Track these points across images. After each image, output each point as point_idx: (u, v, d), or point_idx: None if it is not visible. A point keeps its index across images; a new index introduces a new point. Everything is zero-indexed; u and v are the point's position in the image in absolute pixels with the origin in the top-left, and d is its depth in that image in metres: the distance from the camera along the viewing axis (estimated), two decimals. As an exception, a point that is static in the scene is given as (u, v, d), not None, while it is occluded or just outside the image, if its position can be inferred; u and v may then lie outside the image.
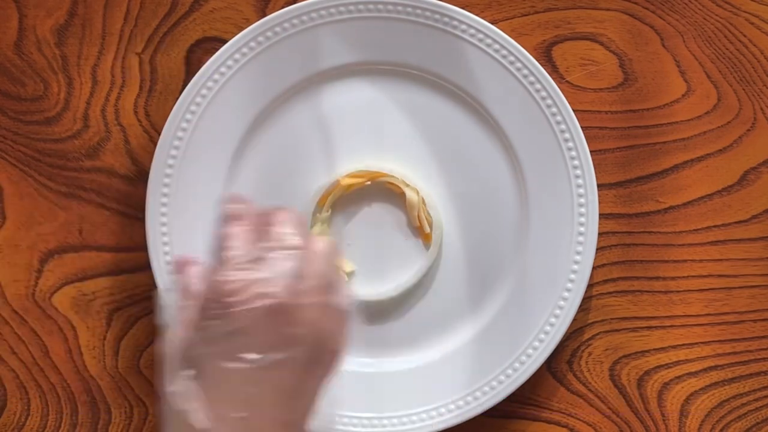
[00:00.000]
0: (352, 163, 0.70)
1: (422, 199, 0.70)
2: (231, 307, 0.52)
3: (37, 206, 0.72)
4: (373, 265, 0.71)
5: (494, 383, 0.70)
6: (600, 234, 0.71)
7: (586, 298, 0.72)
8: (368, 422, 0.70)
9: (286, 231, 0.55)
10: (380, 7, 0.70)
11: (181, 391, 0.52)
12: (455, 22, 0.70)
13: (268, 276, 0.52)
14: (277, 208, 0.56)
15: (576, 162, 0.70)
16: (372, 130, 0.71)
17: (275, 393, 0.52)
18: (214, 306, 0.52)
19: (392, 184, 0.70)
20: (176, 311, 0.54)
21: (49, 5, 0.72)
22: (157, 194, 0.70)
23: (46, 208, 0.72)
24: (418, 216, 0.70)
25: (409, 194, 0.69)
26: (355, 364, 0.71)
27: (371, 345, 0.71)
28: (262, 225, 0.55)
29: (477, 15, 0.70)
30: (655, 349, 0.73)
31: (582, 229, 0.70)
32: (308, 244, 0.55)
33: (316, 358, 0.53)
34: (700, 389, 0.73)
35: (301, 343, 0.52)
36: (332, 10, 0.70)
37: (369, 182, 0.70)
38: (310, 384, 0.54)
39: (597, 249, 0.70)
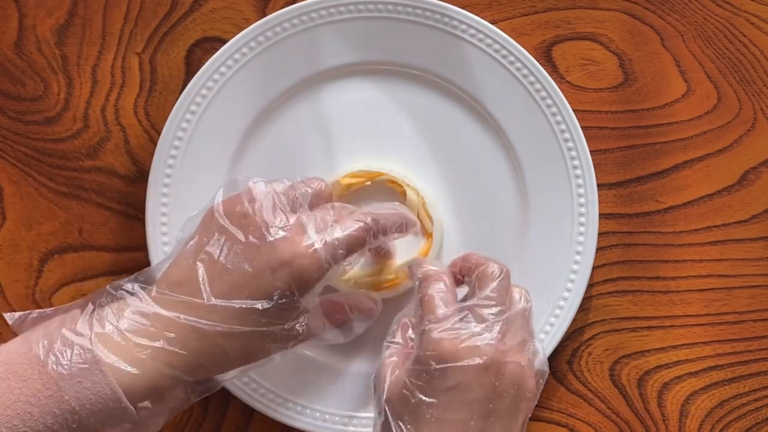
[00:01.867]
0: (352, 163, 0.70)
1: (422, 198, 0.70)
2: (449, 361, 0.56)
3: (37, 206, 0.72)
4: (374, 264, 0.71)
5: (494, 383, 0.70)
6: (600, 234, 0.71)
7: (586, 298, 0.72)
8: (368, 422, 0.70)
9: (490, 288, 0.59)
10: (380, 7, 0.70)
11: None
12: (455, 22, 0.70)
13: (477, 333, 0.57)
14: (478, 262, 0.61)
15: (576, 162, 0.70)
16: (372, 130, 0.71)
17: None
18: (433, 358, 0.56)
19: (392, 183, 0.70)
20: (389, 352, 0.60)
21: (49, 5, 0.72)
22: (157, 194, 0.70)
23: (46, 208, 0.72)
24: (419, 216, 0.70)
25: (410, 194, 0.69)
26: (355, 364, 0.71)
27: (371, 345, 0.71)
28: (464, 270, 0.62)
29: (477, 15, 0.70)
30: (655, 349, 0.73)
31: (582, 229, 0.70)
32: (508, 302, 0.59)
33: (517, 409, 0.58)
34: (700, 389, 0.73)
35: (507, 396, 0.57)
36: (332, 10, 0.70)
37: (369, 182, 0.70)
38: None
39: (597, 249, 0.70)
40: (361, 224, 0.61)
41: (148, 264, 0.70)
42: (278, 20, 0.70)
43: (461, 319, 0.57)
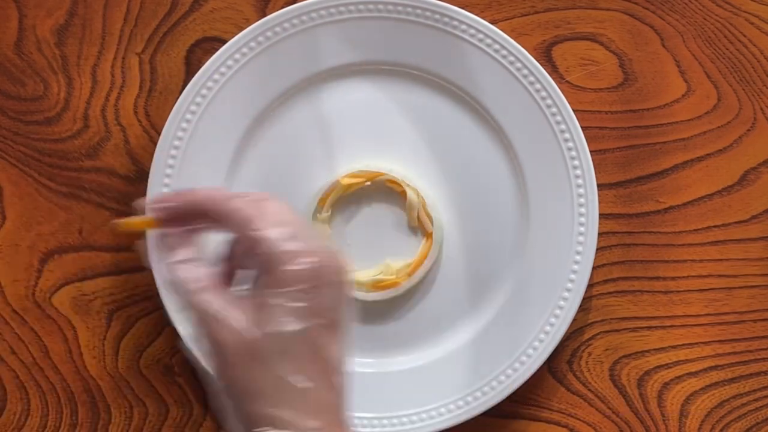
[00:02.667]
0: (352, 163, 0.70)
1: (422, 199, 0.70)
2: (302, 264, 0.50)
3: (37, 206, 0.72)
4: (373, 264, 0.71)
5: (494, 383, 0.70)
6: (600, 234, 0.71)
7: (586, 298, 0.72)
8: (368, 422, 0.70)
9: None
10: (380, 7, 0.70)
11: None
12: (455, 22, 0.70)
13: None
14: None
15: (576, 162, 0.70)
16: (372, 130, 0.71)
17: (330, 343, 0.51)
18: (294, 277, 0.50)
19: (392, 183, 0.70)
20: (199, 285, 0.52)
21: (49, 5, 0.72)
22: (157, 194, 0.70)
23: (46, 208, 0.72)
24: (418, 216, 0.70)
25: (410, 194, 0.69)
26: (355, 365, 0.71)
27: (371, 345, 0.71)
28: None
29: (477, 15, 0.70)
30: (655, 349, 0.73)
31: (582, 229, 0.70)
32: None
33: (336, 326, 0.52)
34: (700, 389, 0.73)
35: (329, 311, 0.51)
36: (332, 10, 0.70)
37: (369, 182, 0.70)
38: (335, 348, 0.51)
39: (597, 249, 0.70)
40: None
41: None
42: (278, 20, 0.69)
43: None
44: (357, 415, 0.70)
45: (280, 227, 0.51)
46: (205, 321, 0.51)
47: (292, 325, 0.50)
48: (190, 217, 0.54)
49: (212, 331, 0.51)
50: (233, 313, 0.50)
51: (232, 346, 0.50)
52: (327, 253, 0.51)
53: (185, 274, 0.52)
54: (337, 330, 0.52)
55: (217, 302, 0.51)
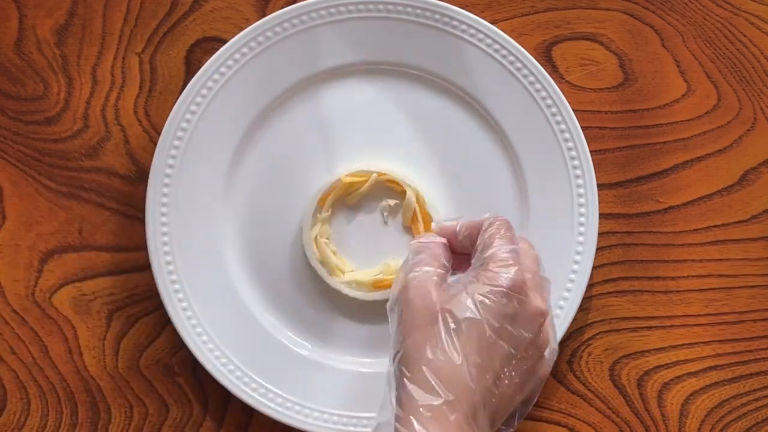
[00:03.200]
0: (352, 162, 0.70)
1: (422, 198, 0.69)
2: (521, 293, 0.57)
3: (37, 206, 0.72)
4: (373, 264, 0.71)
5: (494, 383, 0.70)
6: (600, 234, 0.71)
7: (586, 298, 0.72)
8: (368, 422, 0.70)
9: (510, 247, 0.59)
10: (380, 7, 0.70)
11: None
12: (455, 22, 0.70)
13: (539, 280, 0.59)
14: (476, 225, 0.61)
15: (576, 162, 0.70)
16: (372, 130, 0.71)
17: (512, 384, 0.57)
18: (504, 282, 0.57)
19: (392, 183, 0.70)
20: (429, 268, 0.59)
21: (49, 5, 0.72)
22: (157, 194, 0.70)
23: (46, 208, 0.72)
24: (414, 216, 0.70)
25: (409, 194, 0.69)
26: (355, 364, 0.71)
27: (371, 345, 0.71)
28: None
29: (477, 15, 0.70)
30: (655, 349, 0.73)
31: (582, 229, 0.70)
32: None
33: (537, 368, 0.58)
34: (700, 389, 0.73)
35: (541, 350, 0.58)
36: (332, 10, 0.70)
37: (369, 182, 0.70)
38: (524, 391, 0.58)
39: (597, 249, 0.70)
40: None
41: (148, 264, 0.70)
42: (278, 20, 0.70)
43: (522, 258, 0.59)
44: (357, 415, 0.70)
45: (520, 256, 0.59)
46: (407, 286, 0.58)
47: (468, 312, 0.56)
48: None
49: (407, 294, 0.58)
50: (431, 288, 0.57)
51: (416, 309, 0.57)
52: (536, 296, 0.58)
53: (418, 252, 0.60)
54: (510, 357, 0.57)
55: (425, 275, 0.58)
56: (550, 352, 0.60)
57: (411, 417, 0.54)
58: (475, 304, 0.56)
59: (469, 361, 0.55)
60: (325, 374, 0.71)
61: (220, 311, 0.70)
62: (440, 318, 0.56)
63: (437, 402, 0.54)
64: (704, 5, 0.73)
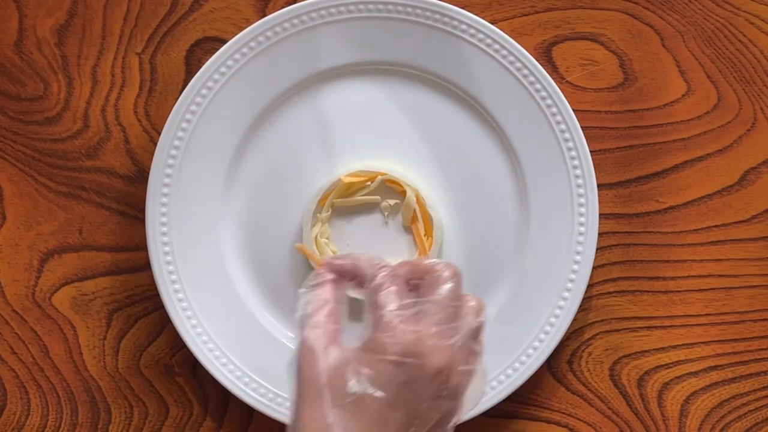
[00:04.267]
0: (352, 162, 0.70)
1: (422, 199, 0.69)
2: (410, 357, 0.54)
3: (37, 206, 0.72)
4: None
5: (494, 383, 0.70)
6: (600, 234, 0.71)
7: (586, 298, 0.72)
8: (368, 422, 0.70)
9: (444, 288, 0.57)
10: (380, 7, 0.70)
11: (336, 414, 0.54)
12: (455, 22, 0.70)
13: (437, 330, 0.55)
14: (430, 265, 0.58)
15: (576, 162, 0.70)
16: (372, 130, 0.71)
17: None
18: (391, 349, 0.54)
19: (392, 183, 0.70)
20: (316, 331, 0.57)
21: (49, 5, 0.72)
22: (157, 194, 0.70)
23: (46, 208, 0.72)
24: (414, 216, 0.70)
25: (409, 194, 0.69)
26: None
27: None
28: (414, 275, 0.58)
29: (477, 15, 0.70)
30: (655, 349, 0.73)
31: (582, 229, 0.70)
32: (461, 300, 0.57)
33: (442, 426, 0.56)
34: (700, 389, 0.73)
35: (443, 410, 0.55)
36: (332, 10, 0.70)
37: (369, 182, 0.70)
38: None
39: (597, 249, 0.70)
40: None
41: (148, 264, 0.70)
42: (278, 20, 0.69)
43: (417, 314, 0.56)
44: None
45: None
46: (297, 351, 0.56)
47: (354, 388, 0.54)
48: (346, 275, 0.59)
49: (298, 361, 0.56)
50: (319, 356, 0.55)
51: (304, 380, 0.55)
52: (436, 353, 0.55)
53: (314, 309, 0.58)
54: (408, 422, 0.54)
55: (314, 339, 0.56)
56: (477, 382, 0.57)
57: None
58: (359, 379, 0.54)
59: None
60: (325, 374, 0.71)
61: (220, 311, 0.70)
62: (325, 394, 0.54)
63: None
64: (704, 5, 0.73)
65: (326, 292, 0.58)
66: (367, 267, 0.58)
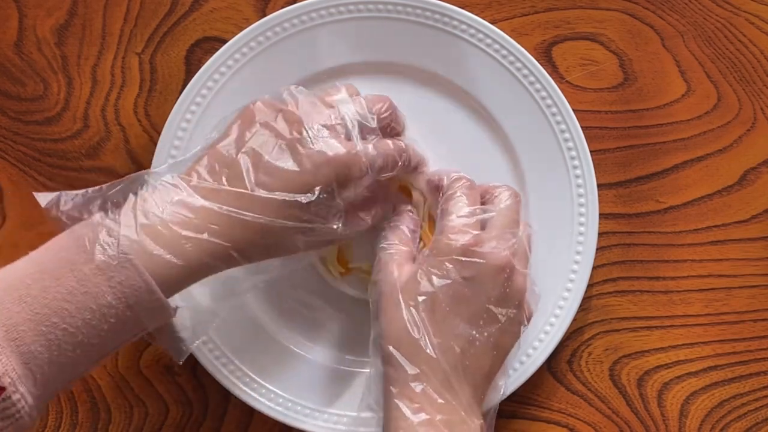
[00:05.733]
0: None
1: (425, 198, 0.69)
2: (471, 255, 0.60)
3: (37, 206, 0.72)
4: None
5: (494, 383, 0.70)
6: (600, 234, 0.71)
7: (586, 298, 0.72)
8: (369, 422, 0.70)
9: (506, 202, 0.63)
10: (380, 7, 0.70)
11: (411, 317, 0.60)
12: (455, 22, 0.70)
13: (497, 235, 0.61)
14: (493, 185, 0.65)
15: (576, 162, 0.70)
16: (372, 130, 0.71)
17: (487, 345, 0.60)
18: (454, 250, 0.60)
19: (399, 184, 0.70)
20: (391, 250, 0.63)
21: (49, 5, 0.72)
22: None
23: (46, 208, 0.72)
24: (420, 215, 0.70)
25: (415, 195, 0.69)
26: (355, 364, 0.71)
27: (372, 344, 0.71)
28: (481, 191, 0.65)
29: (477, 15, 0.70)
30: (655, 349, 0.73)
31: (582, 229, 0.70)
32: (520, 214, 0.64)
33: (513, 326, 0.61)
34: (700, 389, 0.73)
35: (512, 305, 0.60)
36: (332, 10, 0.70)
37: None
38: (503, 351, 0.61)
39: (597, 249, 0.70)
40: (400, 148, 0.64)
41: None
42: (278, 20, 0.70)
43: (484, 221, 0.62)
44: (357, 414, 0.70)
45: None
46: (375, 268, 0.63)
47: (422, 287, 0.60)
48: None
49: (376, 276, 0.62)
50: (394, 268, 0.62)
51: (382, 291, 0.61)
52: (497, 252, 0.60)
53: (387, 230, 0.65)
54: (475, 320, 0.60)
55: (389, 257, 0.63)
56: (532, 297, 0.63)
57: (385, 392, 0.59)
58: (429, 279, 0.59)
59: (429, 334, 0.58)
60: (325, 374, 0.71)
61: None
62: (400, 298, 0.60)
63: (404, 376, 0.58)
64: (704, 5, 0.73)
65: (401, 221, 0.66)
66: (444, 178, 0.65)
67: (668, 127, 0.73)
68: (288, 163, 0.58)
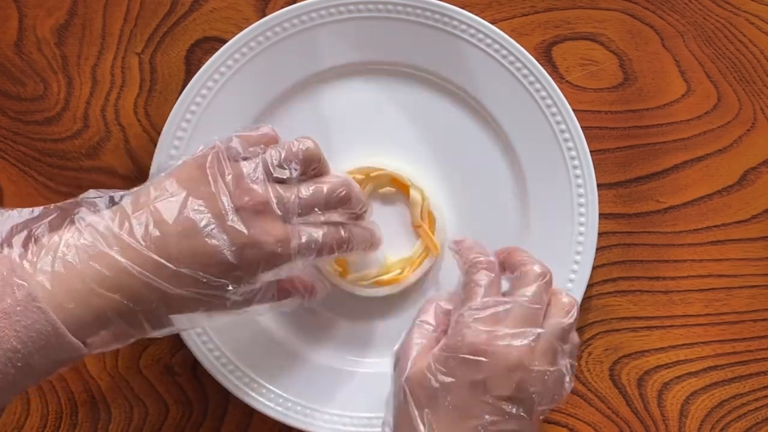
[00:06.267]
0: (352, 162, 0.70)
1: (427, 198, 0.69)
2: (479, 355, 0.56)
3: (37, 206, 0.72)
4: (375, 262, 0.71)
5: (494, 383, 0.70)
6: (600, 234, 0.71)
7: (586, 298, 0.72)
8: (368, 422, 0.70)
9: (529, 290, 0.59)
10: (380, 7, 0.70)
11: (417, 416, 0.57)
12: (455, 22, 0.70)
13: (512, 332, 0.57)
14: (522, 261, 0.61)
15: (576, 162, 0.70)
16: (372, 130, 0.71)
17: None
18: (462, 348, 0.57)
19: (397, 182, 0.70)
20: (421, 331, 0.61)
21: (49, 5, 0.72)
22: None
23: (46, 208, 0.72)
24: (421, 215, 0.70)
25: (413, 194, 0.69)
26: (355, 364, 0.71)
27: (372, 344, 0.71)
28: (504, 272, 0.62)
29: (477, 15, 0.70)
30: (655, 349, 0.73)
31: (582, 229, 0.70)
32: (547, 304, 0.60)
33: (525, 420, 0.57)
34: (700, 389, 0.73)
35: (525, 404, 0.57)
36: (332, 10, 0.70)
37: (371, 179, 0.70)
38: None
39: (597, 249, 0.70)
40: (339, 237, 0.62)
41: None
42: (278, 20, 0.70)
43: (498, 314, 0.58)
44: (357, 414, 0.70)
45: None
46: (399, 347, 0.61)
47: (428, 382, 0.57)
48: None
49: (395, 357, 0.61)
50: (411, 353, 0.59)
51: (396, 375, 0.60)
52: (508, 351, 0.57)
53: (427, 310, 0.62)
54: (483, 419, 0.57)
55: (411, 340, 0.60)
56: (558, 390, 0.59)
57: None
58: (434, 375, 0.57)
59: (433, 428, 0.56)
60: (325, 374, 0.71)
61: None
62: (407, 390, 0.58)
63: None
64: (704, 5, 0.73)
65: (429, 310, 0.62)
66: (464, 258, 0.62)
67: (668, 127, 0.73)
68: (217, 240, 0.57)
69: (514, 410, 0.56)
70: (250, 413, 0.72)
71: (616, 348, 0.73)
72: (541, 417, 0.58)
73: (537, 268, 0.60)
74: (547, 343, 0.58)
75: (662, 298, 0.73)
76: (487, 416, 0.56)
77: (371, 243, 0.66)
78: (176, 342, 0.72)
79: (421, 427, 0.56)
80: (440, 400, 0.57)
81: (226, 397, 0.72)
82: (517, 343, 0.57)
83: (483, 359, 0.56)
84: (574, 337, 0.60)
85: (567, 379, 0.59)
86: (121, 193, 0.59)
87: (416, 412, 0.57)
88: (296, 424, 0.70)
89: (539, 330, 0.58)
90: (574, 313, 0.60)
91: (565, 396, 0.59)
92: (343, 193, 0.62)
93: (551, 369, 0.57)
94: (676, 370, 0.73)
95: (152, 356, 0.72)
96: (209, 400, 0.73)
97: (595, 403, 0.73)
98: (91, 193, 0.59)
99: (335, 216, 0.62)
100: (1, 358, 0.53)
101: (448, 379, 0.57)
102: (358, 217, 0.63)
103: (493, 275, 0.60)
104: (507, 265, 0.62)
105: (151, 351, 0.72)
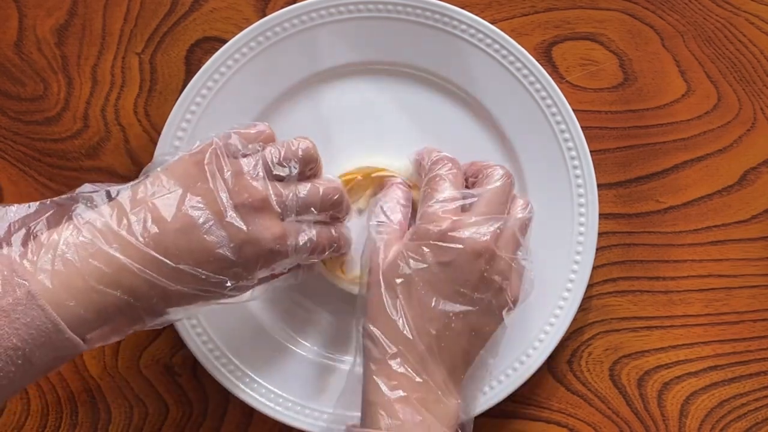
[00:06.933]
0: (352, 162, 0.70)
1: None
2: (448, 241, 0.60)
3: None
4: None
5: (494, 383, 0.70)
6: (600, 234, 0.71)
7: (586, 298, 0.72)
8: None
9: (494, 187, 0.63)
10: (380, 7, 0.70)
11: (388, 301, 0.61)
12: (455, 22, 0.70)
13: (479, 219, 0.61)
14: (485, 165, 0.65)
15: (576, 162, 0.70)
16: (372, 130, 0.71)
17: (464, 328, 0.60)
18: (432, 235, 0.60)
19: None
20: (380, 229, 0.63)
21: (49, 5, 0.72)
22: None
23: (46, 208, 0.72)
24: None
25: (415, 195, 0.69)
26: (355, 364, 0.71)
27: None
28: (469, 173, 0.66)
29: (477, 15, 0.70)
30: (655, 349, 0.73)
31: (582, 229, 0.70)
32: (509, 207, 0.63)
33: (493, 310, 0.61)
34: (700, 389, 0.73)
35: (491, 290, 0.61)
36: (332, 10, 0.70)
37: (375, 177, 0.70)
38: (482, 334, 0.61)
39: (597, 249, 0.70)
40: (330, 237, 0.63)
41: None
42: (278, 20, 0.70)
43: (465, 206, 0.62)
44: (357, 414, 0.70)
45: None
46: (364, 248, 0.64)
47: (400, 270, 0.60)
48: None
49: (364, 256, 0.64)
50: (380, 249, 0.62)
51: (369, 270, 0.62)
52: (476, 237, 0.61)
53: (383, 209, 0.65)
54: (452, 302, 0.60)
55: (378, 237, 0.63)
56: (526, 282, 0.63)
57: (365, 368, 0.60)
58: (406, 263, 0.60)
59: (406, 315, 0.60)
60: (324, 374, 0.71)
61: (220, 311, 0.70)
62: (381, 280, 0.61)
63: (383, 355, 0.60)
64: (704, 5, 0.73)
65: (393, 192, 0.66)
66: (426, 159, 0.65)
67: (668, 127, 0.73)
68: (215, 236, 0.57)
69: (483, 297, 0.60)
70: (250, 413, 0.72)
71: (616, 348, 0.73)
72: (507, 317, 0.61)
73: (501, 169, 0.64)
74: (510, 233, 0.62)
75: (662, 298, 0.73)
76: (457, 305, 0.60)
77: (347, 245, 0.67)
78: (176, 342, 0.72)
79: (394, 313, 0.59)
80: (412, 286, 0.60)
81: (226, 397, 0.72)
82: (483, 230, 0.60)
83: (452, 245, 0.60)
84: (528, 240, 0.64)
85: (531, 276, 0.63)
86: (117, 187, 0.59)
87: (389, 301, 0.60)
88: (296, 424, 0.70)
89: (503, 219, 0.61)
90: (531, 208, 0.64)
91: (530, 293, 0.63)
92: (336, 197, 0.63)
93: (514, 257, 0.61)
94: (676, 370, 0.73)
95: (152, 356, 0.73)
96: (209, 400, 0.73)
97: (595, 403, 0.73)
98: (87, 187, 0.59)
99: (322, 217, 0.63)
100: (2, 356, 0.53)
101: (421, 265, 0.60)
102: (339, 220, 0.65)
103: (456, 170, 0.64)
104: (470, 172, 0.65)
105: (151, 351, 0.72)
